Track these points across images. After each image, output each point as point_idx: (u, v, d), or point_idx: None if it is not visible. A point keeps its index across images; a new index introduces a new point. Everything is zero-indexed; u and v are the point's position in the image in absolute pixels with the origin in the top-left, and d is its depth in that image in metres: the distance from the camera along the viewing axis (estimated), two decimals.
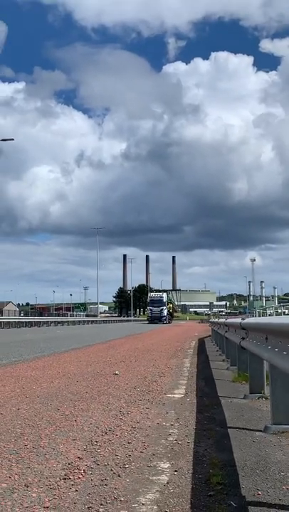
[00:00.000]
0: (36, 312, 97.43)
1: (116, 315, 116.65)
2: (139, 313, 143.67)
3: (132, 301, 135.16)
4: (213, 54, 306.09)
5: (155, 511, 3.18)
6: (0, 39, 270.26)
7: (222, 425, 5.76)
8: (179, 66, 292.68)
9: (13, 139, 55.11)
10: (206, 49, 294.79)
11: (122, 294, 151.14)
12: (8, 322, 50.05)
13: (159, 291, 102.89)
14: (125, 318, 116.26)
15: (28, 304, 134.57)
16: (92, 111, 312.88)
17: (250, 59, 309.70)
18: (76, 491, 3.49)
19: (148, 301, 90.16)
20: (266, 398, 6.85)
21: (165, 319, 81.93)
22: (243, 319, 8.46)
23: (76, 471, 3.93)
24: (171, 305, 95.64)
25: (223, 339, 14.05)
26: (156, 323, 73.51)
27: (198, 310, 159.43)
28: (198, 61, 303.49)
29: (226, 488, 3.61)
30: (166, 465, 4.17)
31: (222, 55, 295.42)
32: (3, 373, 10.17)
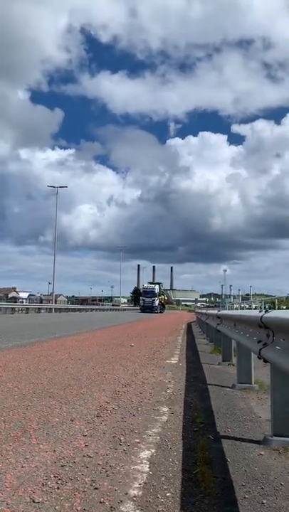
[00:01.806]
0: (78, 302, 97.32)
1: (132, 305, 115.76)
2: None
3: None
4: (200, 133, 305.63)
5: (158, 440, 3.14)
6: (59, 121, 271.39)
7: (203, 382, 5.68)
8: (177, 141, 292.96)
9: (66, 186, 56.33)
10: (196, 130, 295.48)
11: (136, 291, 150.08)
12: (60, 308, 49.98)
13: (153, 283, 74.26)
14: (138, 308, 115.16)
15: (73, 296, 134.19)
16: (119, 169, 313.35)
17: (224, 137, 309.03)
18: (105, 425, 3.45)
19: (141, 291, 68.01)
20: (233, 365, 6.75)
21: (156, 309, 61.52)
22: (219, 311, 8.39)
23: (105, 411, 3.88)
24: (163, 296, 73.10)
25: (204, 324, 13.93)
26: (148, 313, 55.43)
27: (188, 303, 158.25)
28: (190, 137, 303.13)
29: (206, 426, 3.56)
30: (166, 409, 4.11)
31: (206, 134, 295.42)
32: (56, 343, 10.10)
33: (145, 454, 2.83)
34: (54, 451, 2.77)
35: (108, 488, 2.27)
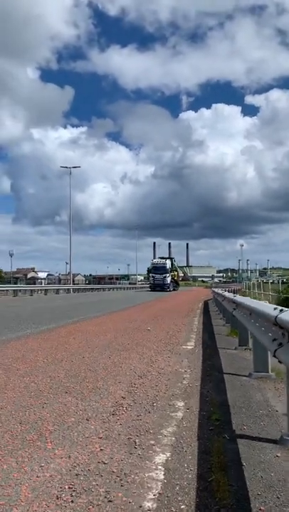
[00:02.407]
0: (95, 280, 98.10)
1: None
2: None
3: None
4: (213, 105, 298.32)
5: (173, 442, 3.12)
6: (70, 98, 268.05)
7: (219, 371, 5.63)
8: (190, 114, 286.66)
9: (79, 167, 56.03)
10: (209, 102, 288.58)
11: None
12: (78, 289, 50.58)
13: (165, 258, 64.90)
14: None
15: (90, 275, 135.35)
16: (132, 146, 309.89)
17: (238, 108, 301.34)
18: (120, 424, 3.44)
19: (150, 268, 57.81)
20: (250, 350, 6.66)
21: (168, 287, 53.70)
22: (235, 296, 8.28)
23: (120, 408, 3.88)
24: (176, 272, 63.91)
25: (221, 305, 13.84)
26: (158, 291, 48.94)
27: (205, 279, 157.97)
28: (203, 110, 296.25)
29: (222, 424, 3.52)
30: (182, 404, 4.08)
31: (219, 106, 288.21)
32: (74, 329, 10.18)
33: (160, 458, 2.82)
34: (69, 457, 2.78)
35: (122, 500, 2.26)
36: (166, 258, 61.35)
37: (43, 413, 3.66)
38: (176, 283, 61.88)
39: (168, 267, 55.53)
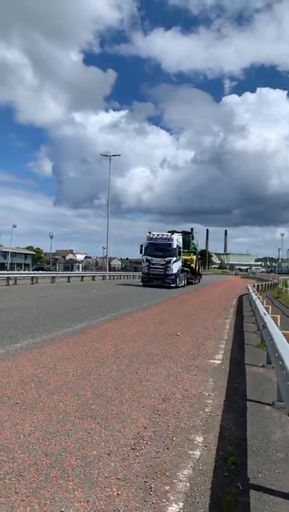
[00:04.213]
0: (131, 265, 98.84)
1: None
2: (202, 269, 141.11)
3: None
4: (258, 89, 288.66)
5: (187, 489, 3.26)
6: (111, 82, 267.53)
7: (243, 396, 5.68)
8: (233, 98, 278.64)
9: (119, 155, 56.12)
10: (252, 87, 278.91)
11: None
12: (113, 276, 51.43)
13: (172, 232, 36.56)
14: None
15: (127, 259, 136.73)
16: (172, 130, 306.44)
17: (284, 92, 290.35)
18: (139, 463, 3.60)
19: (145, 246, 34.04)
20: None
21: (173, 280, 32.57)
22: (265, 314, 8.22)
23: (141, 441, 4.04)
24: (193, 256, 41.29)
25: (255, 311, 13.72)
26: (155, 287, 30.84)
27: (242, 267, 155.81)
28: (247, 94, 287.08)
29: (237, 468, 3.63)
30: (201, 439, 4.19)
31: (264, 90, 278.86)
32: (105, 330, 10.44)
33: (172, 510, 2.98)
34: (88, 501, 2.99)
35: None
36: (173, 232, 36.37)
37: (68, 443, 3.90)
38: (193, 272, 40.67)
39: (175, 247, 33.13)
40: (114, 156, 53.28)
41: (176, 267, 33.04)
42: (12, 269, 70.41)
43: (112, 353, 7.85)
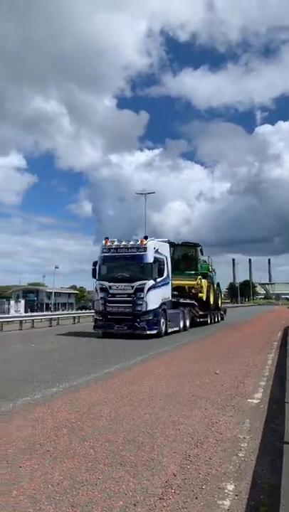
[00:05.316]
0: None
1: (228, 301, 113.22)
2: (245, 301, 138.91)
3: (239, 292, 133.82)
4: None
5: None
6: (144, 123, 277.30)
7: (280, 439, 5.41)
8: (266, 128, 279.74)
9: (154, 192, 57.22)
10: (284, 116, 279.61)
11: (232, 287, 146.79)
12: None
13: (152, 239, 19.70)
14: (235, 305, 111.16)
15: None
16: (206, 164, 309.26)
17: None
18: None
19: (98, 263, 19.06)
20: None
21: (151, 322, 17.80)
22: None
23: (169, 490, 3.95)
24: (204, 281, 24.83)
25: None
26: (116, 335, 17.89)
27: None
28: (280, 123, 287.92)
29: None
30: (232, 487, 4.03)
31: None
32: (141, 371, 10.34)
33: None
34: None
35: None
36: (146, 237, 19.64)
37: (95, 493, 3.88)
38: (205, 306, 25.78)
39: (150, 261, 18.74)
40: (149, 193, 53.89)
41: (154, 296, 18.51)
42: (56, 309, 71.84)
43: (146, 395, 7.75)
